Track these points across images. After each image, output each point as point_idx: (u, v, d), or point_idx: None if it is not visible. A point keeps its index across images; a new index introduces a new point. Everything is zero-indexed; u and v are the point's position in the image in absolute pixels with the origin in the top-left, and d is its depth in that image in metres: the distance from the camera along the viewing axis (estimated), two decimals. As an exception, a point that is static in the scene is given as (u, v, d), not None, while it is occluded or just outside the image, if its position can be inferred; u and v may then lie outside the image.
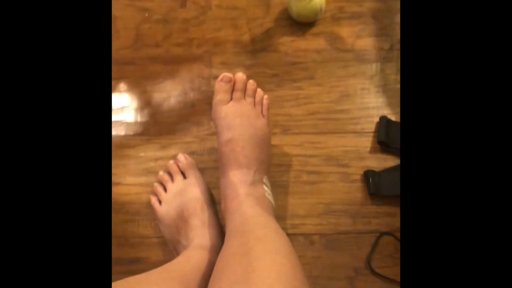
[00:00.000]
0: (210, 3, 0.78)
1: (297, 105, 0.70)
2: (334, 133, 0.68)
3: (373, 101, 0.71)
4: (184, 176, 0.63)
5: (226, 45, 0.74)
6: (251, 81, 0.60)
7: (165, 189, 0.62)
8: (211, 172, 0.66)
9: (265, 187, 0.56)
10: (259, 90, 0.60)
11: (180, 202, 0.59)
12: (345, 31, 0.76)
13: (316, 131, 0.68)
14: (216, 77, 0.71)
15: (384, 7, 0.78)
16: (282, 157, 0.66)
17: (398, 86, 0.72)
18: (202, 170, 0.66)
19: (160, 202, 0.61)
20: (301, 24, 0.76)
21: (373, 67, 0.73)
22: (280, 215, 0.63)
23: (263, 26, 0.76)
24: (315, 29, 0.76)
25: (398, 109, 0.70)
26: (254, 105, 0.59)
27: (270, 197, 0.56)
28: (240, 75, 0.59)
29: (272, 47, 0.74)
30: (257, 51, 0.74)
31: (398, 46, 0.75)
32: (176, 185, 0.61)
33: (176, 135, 0.68)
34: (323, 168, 0.66)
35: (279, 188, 0.64)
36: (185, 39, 0.74)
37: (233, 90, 0.58)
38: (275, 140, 0.67)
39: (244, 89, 0.59)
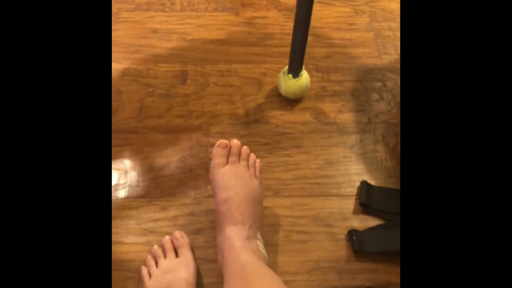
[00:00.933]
0: (208, 81, 0.88)
1: (286, 170, 0.77)
2: (320, 196, 0.75)
3: (354, 168, 0.78)
4: (177, 254, 0.66)
5: (223, 117, 0.83)
6: (245, 147, 0.66)
7: (156, 264, 0.65)
8: (208, 232, 0.70)
9: (258, 242, 0.60)
10: (252, 154, 0.67)
11: (168, 280, 0.62)
12: (328, 106, 0.86)
13: (304, 194, 0.75)
14: (213, 145, 0.79)
15: (361, 86, 0.89)
16: (273, 218, 0.72)
17: (376, 154, 0.80)
18: (199, 231, 0.71)
19: (150, 275, 0.64)
20: (289, 100, 0.86)
21: (353, 138, 0.82)
22: (272, 272, 0.67)
23: (255, 101, 0.86)
24: (301, 105, 0.86)
25: (377, 174, 0.78)
26: (248, 167, 0.65)
27: (264, 251, 0.60)
28: (236, 141, 0.65)
29: (263, 119, 0.83)
30: (250, 123, 0.83)
31: (375, 120, 0.85)
32: (167, 262, 0.65)
33: (175, 198, 0.74)
34: (311, 228, 0.71)
35: (271, 247, 0.69)
36: (185, 111, 0.83)
37: (229, 155, 0.64)
38: (267, 202, 0.73)
39: (239, 154, 0.65)
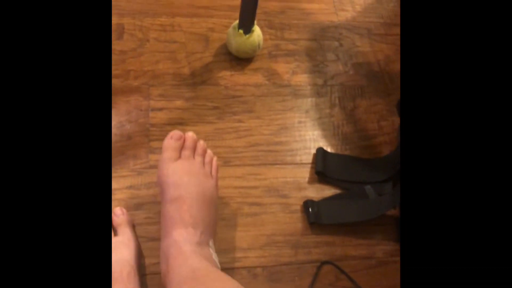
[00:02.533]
0: (148, 36, 0.77)
1: (238, 137, 0.71)
2: (274, 165, 0.69)
3: (310, 134, 0.73)
4: (116, 233, 0.58)
5: (165, 77, 0.74)
6: (201, 141, 0.58)
7: None
8: (149, 206, 0.63)
9: (211, 250, 0.52)
10: (209, 151, 0.59)
11: None
12: (282, 67, 0.79)
13: (257, 162, 0.69)
14: (154, 109, 0.70)
15: (317, 46, 0.83)
16: (223, 189, 0.66)
17: (332, 119, 0.75)
18: (139, 206, 0.63)
19: None
20: (240, 60, 0.78)
21: (309, 102, 0.76)
22: (222, 248, 0.61)
23: (202, 60, 0.77)
24: (253, 65, 0.78)
25: (333, 141, 0.73)
26: (204, 165, 0.57)
27: (217, 260, 0.52)
28: (191, 134, 0.57)
29: (212, 80, 0.75)
30: (197, 84, 0.74)
31: (331, 82, 0.79)
32: None
33: (112, 169, 0.65)
34: (264, 199, 0.66)
35: (222, 221, 0.63)
36: (121, 71, 0.73)
37: (182, 148, 0.56)
38: (215, 173, 0.67)
39: (194, 148, 0.57)
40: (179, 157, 0.56)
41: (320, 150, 0.70)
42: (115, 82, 0.72)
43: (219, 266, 0.52)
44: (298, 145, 0.72)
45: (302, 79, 0.79)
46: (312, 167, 0.70)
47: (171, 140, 0.56)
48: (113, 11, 0.79)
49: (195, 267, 0.46)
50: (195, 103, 0.72)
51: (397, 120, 0.77)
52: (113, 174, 0.65)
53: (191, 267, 0.46)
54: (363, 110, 0.77)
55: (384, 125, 0.76)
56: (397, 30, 0.89)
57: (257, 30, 0.75)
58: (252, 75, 0.78)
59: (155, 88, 0.72)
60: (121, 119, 0.69)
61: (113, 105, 0.69)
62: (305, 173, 0.69)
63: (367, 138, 0.75)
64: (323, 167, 0.68)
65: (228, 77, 0.76)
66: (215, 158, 0.59)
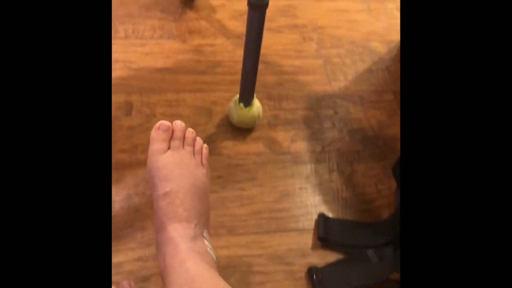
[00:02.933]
0: (154, 111, 0.83)
1: (241, 205, 0.73)
2: (277, 232, 0.71)
3: (311, 199, 0.76)
4: None
5: (171, 150, 0.78)
6: (190, 129, 0.57)
7: None
8: (157, 278, 0.64)
9: (206, 241, 0.52)
10: (198, 138, 0.58)
11: None
12: (281, 135, 0.84)
13: (260, 230, 0.71)
14: (161, 181, 0.74)
15: (313, 114, 0.88)
16: (229, 258, 0.67)
17: (332, 184, 0.78)
18: (147, 278, 0.64)
19: None
20: (241, 130, 0.82)
21: (308, 168, 0.80)
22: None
23: (206, 132, 0.82)
24: (254, 134, 0.83)
25: (333, 206, 0.75)
26: (194, 154, 0.56)
27: (212, 252, 0.52)
28: (179, 123, 0.56)
29: (215, 150, 0.79)
30: (200, 155, 0.78)
31: (328, 148, 0.83)
32: None
33: (119, 242, 0.67)
34: (269, 267, 0.67)
35: (227, 291, 0.64)
36: (130, 145, 0.77)
37: (171, 139, 0.55)
38: (221, 242, 0.69)
39: (183, 138, 0.56)
40: (168, 148, 0.55)
41: (321, 216, 0.72)
42: (123, 156, 0.75)
43: (214, 257, 0.53)
44: (300, 211, 0.74)
45: (301, 146, 0.83)
46: (314, 233, 0.72)
47: (158, 131, 0.54)
48: (122, 90, 0.85)
49: (192, 274, 0.46)
50: (200, 174, 0.76)
51: (393, 183, 0.80)
52: (121, 247, 0.67)
53: (188, 273, 0.46)
54: (360, 174, 0.81)
55: (382, 188, 0.79)
56: (388, 97, 0.94)
57: (256, 102, 0.80)
58: (253, 144, 0.82)
59: (162, 161, 0.76)
60: (129, 192, 0.72)
61: (121, 178, 0.73)
62: (308, 239, 0.71)
63: (367, 202, 0.77)
64: (325, 233, 0.70)
65: (231, 147, 0.80)
66: (205, 146, 0.59)
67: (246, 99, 0.78)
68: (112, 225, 0.68)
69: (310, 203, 0.75)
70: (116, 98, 0.83)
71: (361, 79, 0.97)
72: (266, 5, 0.62)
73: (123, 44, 0.93)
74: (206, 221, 0.54)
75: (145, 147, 0.77)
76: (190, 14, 1.01)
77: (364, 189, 0.79)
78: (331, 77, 0.96)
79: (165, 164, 0.53)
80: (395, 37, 1.07)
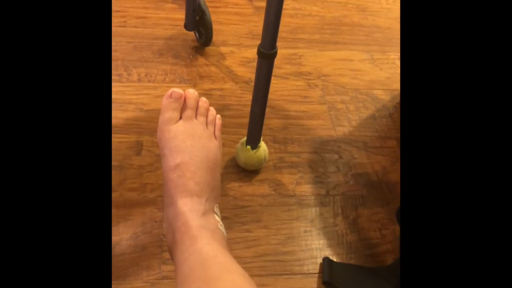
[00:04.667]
0: (164, 152, 0.85)
1: (246, 247, 0.74)
2: (282, 275, 0.71)
3: (316, 243, 0.76)
4: None
5: (179, 190, 0.79)
6: (203, 99, 0.55)
7: None
8: (161, 319, 0.64)
9: (216, 217, 0.51)
10: (211, 108, 0.56)
11: None
12: (287, 178, 0.85)
13: (265, 273, 0.71)
14: (168, 221, 0.75)
15: (318, 158, 0.90)
16: (233, 300, 0.67)
17: (336, 228, 0.79)
18: (151, 317, 0.64)
19: None
20: (248, 171, 0.84)
21: (313, 211, 0.81)
22: None
23: (213, 173, 0.83)
24: (260, 176, 0.84)
25: (338, 249, 0.76)
26: (207, 125, 0.54)
27: (222, 228, 0.51)
28: (192, 91, 0.53)
29: (222, 191, 0.80)
30: (207, 196, 0.79)
31: (333, 192, 0.84)
32: None
33: (125, 280, 0.67)
34: (273, 310, 0.67)
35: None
36: (139, 184, 0.79)
37: (183, 108, 0.53)
38: (225, 283, 0.69)
39: (196, 107, 0.54)
40: (180, 117, 0.52)
41: (326, 260, 0.72)
42: (132, 195, 0.77)
43: (225, 232, 0.51)
44: (305, 255, 0.74)
45: (306, 189, 0.84)
46: (319, 277, 0.72)
47: (170, 99, 0.51)
48: (133, 130, 0.87)
49: (206, 256, 0.43)
50: (206, 214, 0.77)
51: (397, 228, 0.81)
52: (126, 285, 0.67)
53: (201, 254, 0.43)
54: (365, 219, 0.81)
55: (386, 233, 0.80)
56: (391, 143, 0.97)
57: (263, 145, 0.82)
58: (259, 186, 0.83)
59: (169, 200, 0.77)
60: (136, 231, 0.73)
61: (129, 217, 0.74)
62: (312, 283, 0.71)
63: (371, 247, 0.78)
64: (330, 277, 0.70)
65: (237, 188, 0.82)
66: (218, 116, 0.56)
67: (253, 141, 0.80)
68: (118, 264, 0.69)
69: (315, 247, 0.76)
70: (128, 138, 0.86)
71: (364, 125, 1.00)
72: (275, 55, 0.65)
73: (136, 87, 0.97)
74: (217, 196, 0.52)
75: (154, 186, 0.79)
76: (201, 60, 1.06)
77: (368, 234, 0.79)
78: (335, 123, 0.98)
79: (176, 134, 0.51)
80: (397, 86, 1.11)
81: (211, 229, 0.48)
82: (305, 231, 0.78)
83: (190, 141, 0.51)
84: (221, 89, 1.00)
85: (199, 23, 1.04)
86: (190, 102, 0.53)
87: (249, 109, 0.76)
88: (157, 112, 0.96)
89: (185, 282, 0.41)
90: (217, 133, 0.55)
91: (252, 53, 1.11)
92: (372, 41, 1.24)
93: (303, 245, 0.75)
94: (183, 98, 0.53)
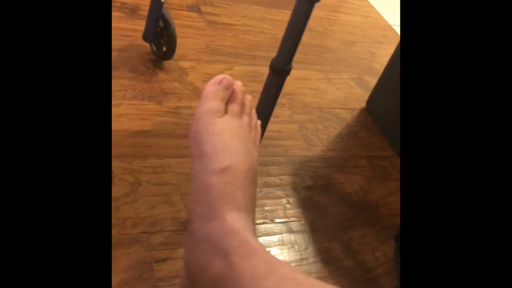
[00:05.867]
0: (139, 179, 0.74)
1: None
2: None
3: (313, 270, 0.72)
4: None
5: (164, 223, 0.69)
6: (249, 96, 0.46)
7: None
8: None
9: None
10: (253, 111, 0.47)
11: None
12: (273, 203, 0.80)
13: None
14: (158, 261, 0.64)
15: (300, 180, 0.86)
16: None
17: (334, 253, 0.76)
18: None
19: None
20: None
21: (306, 238, 0.77)
22: None
23: (198, 202, 0.74)
24: (247, 203, 0.78)
25: (337, 276, 0.72)
26: (250, 128, 0.45)
27: None
28: (240, 84, 0.44)
29: (212, 223, 0.72)
30: (197, 228, 0.70)
31: (322, 215, 0.81)
32: None
33: None
34: None
35: None
36: (117, 219, 0.67)
37: (228, 101, 0.43)
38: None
39: (242, 104, 0.45)
40: (225, 112, 0.43)
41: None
42: (112, 233, 0.65)
43: None
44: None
45: (294, 214, 0.80)
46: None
47: (219, 87, 0.42)
48: (98, 155, 0.75)
49: (306, 283, 0.34)
50: (200, 249, 0.68)
51: (388, 249, 0.80)
52: None
53: (296, 281, 0.34)
54: (357, 242, 0.80)
55: (379, 255, 0.79)
56: (363, 162, 0.97)
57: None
58: (247, 213, 0.76)
59: (155, 237, 0.67)
60: (124, 276, 0.61)
61: (113, 260, 0.62)
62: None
63: (368, 271, 0.76)
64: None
65: (224, 217, 0.74)
66: (259, 122, 0.48)
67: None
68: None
69: (315, 275, 0.71)
70: (94, 165, 0.73)
71: (335, 144, 0.99)
72: (289, 72, 0.61)
73: (92, 103, 0.83)
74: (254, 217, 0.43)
75: (135, 221, 0.68)
76: (162, 75, 0.96)
77: (363, 257, 0.77)
78: (309, 142, 0.96)
79: (222, 130, 0.41)
80: (356, 105, 1.13)
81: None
82: (301, 259, 0.73)
83: (238, 143, 0.41)
84: (189, 107, 0.92)
85: (159, 35, 0.95)
86: (239, 96, 0.44)
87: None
88: (123, 134, 0.84)
89: None
90: (257, 141, 0.46)
91: (213, 69, 1.04)
92: (323, 61, 1.26)
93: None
94: (232, 89, 0.43)
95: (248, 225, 0.38)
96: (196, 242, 0.39)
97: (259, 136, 0.47)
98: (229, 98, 0.43)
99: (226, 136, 0.41)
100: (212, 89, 0.42)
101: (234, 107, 0.43)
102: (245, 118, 0.45)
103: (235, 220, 0.37)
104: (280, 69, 0.59)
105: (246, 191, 0.40)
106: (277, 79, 0.61)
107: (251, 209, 0.40)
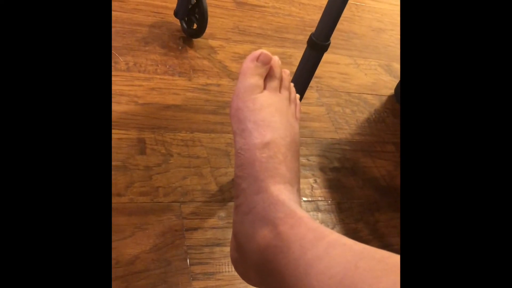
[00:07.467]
0: (171, 151, 0.74)
1: (280, 257, 0.67)
2: None
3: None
4: None
5: (194, 193, 0.70)
6: (286, 71, 0.46)
7: None
8: None
9: None
10: (292, 86, 0.47)
11: None
12: (301, 182, 0.80)
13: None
14: (189, 229, 0.65)
15: (328, 161, 0.86)
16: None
17: (359, 234, 0.76)
18: None
19: None
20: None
21: (333, 217, 0.77)
22: None
23: (227, 175, 0.75)
24: (276, 180, 0.78)
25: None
26: (290, 102, 0.45)
27: None
28: (277, 59, 0.44)
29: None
30: (226, 200, 0.71)
31: (349, 197, 0.81)
32: None
33: (150, 301, 0.56)
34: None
35: None
36: (149, 188, 0.68)
37: (266, 76, 0.44)
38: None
39: (281, 79, 0.45)
40: (264, 87, 0.43)
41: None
42: (144, 200, 0.66)
43: None
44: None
45: (323, 194, 0.80)
46: None
47: (257, 63, 0.42)
48: (131, 125, 0.76)
49: (356, 249, 0.33)
50: (229, 221, 0.68)
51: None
52: (152, 308, 0.56)
53: (345, 246, 0.33)
54: (383, 224, 0.79)
55: (405, 238, 0.78)
56: (390, 148, 0.96)
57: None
58: (274, 190, 0.77)
59: (186, 206, 0.68)
60: (156, 242, 0.62)
61: (145, 226, 0.63)
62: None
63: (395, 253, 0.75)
64: None
65: (252, 193, 0.75)
66: (298, 96, 0.48)
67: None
68: (143, 281, 0.57)
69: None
70: (127, 135, 0.74)
71: (363, 129, 0.98)
72: (327, 47, 0.60)
73: (125, 76, 0.84)
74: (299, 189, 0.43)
75: (166, 190, 0.68)
76: (191, 52, 0.97)
77: (389, 240, 0.77)
78: (336, 125, 0.96)
79: (263, 105, 0.41)
80: (384, 91, 1.12)
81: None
82: (332, 238, 0.73)
83: (279, 117, 0.42)
84: (218, 85, 0.92)
85: (191, 12, 0.95)
86: (277, 71, 0.44)
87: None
88: (154, 107, 0.85)
89: (351, 281, 0.30)
90: (298, 114, 0.47)
91: (242, 49, 1.04)
92: (351, 46, 1.25)
93: (334, 253, 0.71)
94: (270, 65, 0.43)
95: (294, 196, 0.39)
96: (243, 215, 0.39)
97: (299, 110, 0.47)
98: (267, 73, 0.44)
99: (267, 111, 0.41)
100: (250, 65, 0.42)
101: (272, 82, 0.44)
102: (284, 92, 0.45)
103: (280, 192, 0.38)
104: (318, 44, 0.59)
105: (289, 164, 0.40)
106: (315, 54, 0.61)
107: (295, 181, 0.41)
